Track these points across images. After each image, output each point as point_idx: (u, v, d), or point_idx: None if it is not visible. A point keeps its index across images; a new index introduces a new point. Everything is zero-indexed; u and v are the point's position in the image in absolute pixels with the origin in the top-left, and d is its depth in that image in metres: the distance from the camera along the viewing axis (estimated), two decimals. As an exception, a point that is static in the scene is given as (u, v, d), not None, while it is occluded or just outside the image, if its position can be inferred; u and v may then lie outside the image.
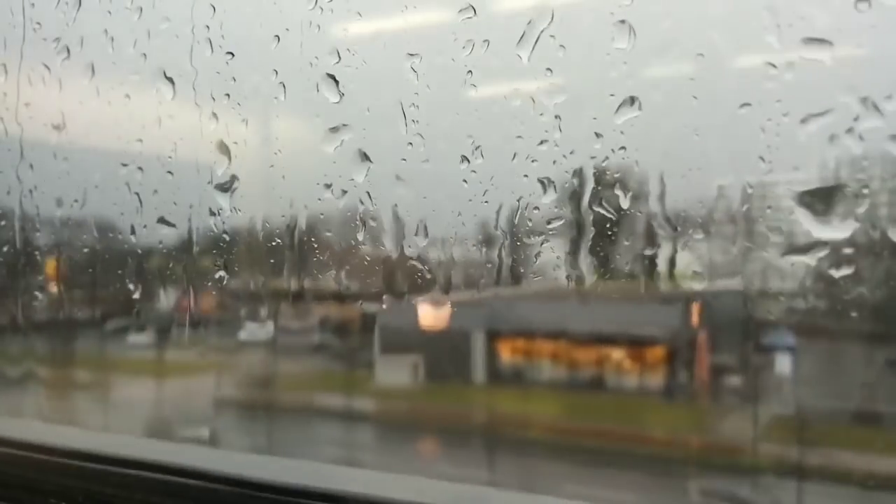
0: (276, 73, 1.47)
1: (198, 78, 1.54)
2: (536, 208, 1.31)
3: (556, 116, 1.24)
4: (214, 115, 1.54)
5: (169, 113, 1.61)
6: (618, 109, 1.18)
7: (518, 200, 1.32)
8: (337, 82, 1.39)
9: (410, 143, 1.34)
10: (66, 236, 1.86)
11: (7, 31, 1.78)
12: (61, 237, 1.87)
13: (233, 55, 1.50)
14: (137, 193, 1.67)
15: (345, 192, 1.42)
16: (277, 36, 1.45)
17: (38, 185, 1.84)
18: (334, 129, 1.41)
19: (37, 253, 1.92)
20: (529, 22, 1.22)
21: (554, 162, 1.27)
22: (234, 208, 1.56)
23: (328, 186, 1.43)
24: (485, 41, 1.26)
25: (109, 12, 1.66)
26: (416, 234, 1.40)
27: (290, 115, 1.50)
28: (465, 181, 1.32)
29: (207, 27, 1.50)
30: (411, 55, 1.31)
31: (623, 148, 1.21)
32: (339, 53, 1.38)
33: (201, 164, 1.57)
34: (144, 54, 1.61)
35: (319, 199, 1.45)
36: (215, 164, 1.56)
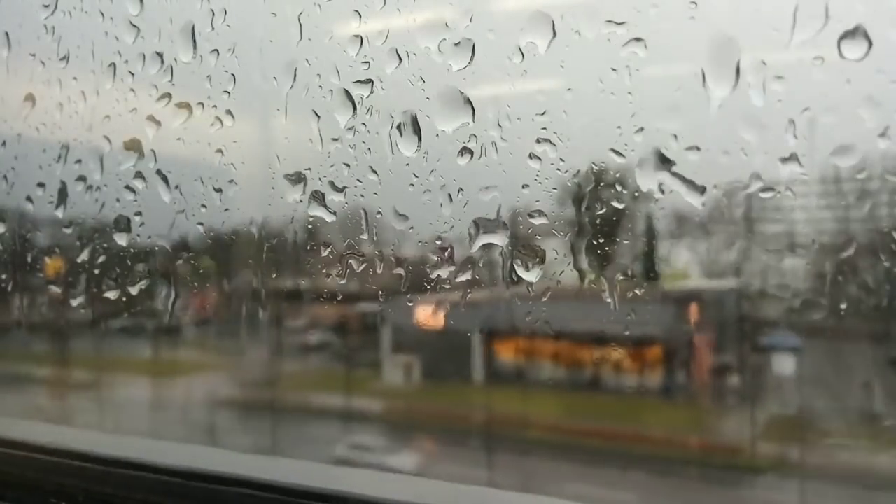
0: (275, 72, 1.47)
1: (197, 77, 1.54)
2: (538, 212, 1.31)
3: (553, 115, 1.25)
4: (219, 119, 1.54)
5: (171, 112, 1.61)
6: (618, 109, 1.18)
7: (518, 199, 1.32)
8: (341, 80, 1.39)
9: (411, 143, 1.35)
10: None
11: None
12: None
13: (232, 52, 1.50)
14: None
15: (343, 189, 1.42)
16: (278, 34, 1.45)
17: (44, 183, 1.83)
18: (335, 128, 1.41)
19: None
20: (529, 21, 1.22)
21: (552, 164, 1.27)
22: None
23: (333, 187, 1.43)
24: (485, 41, 1.26)
25: (107, 15, 1.67)
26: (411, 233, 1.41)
27: (290, 114, 1.50)
28: (461, 185, 1.32)
29: (211, 26, 1.50)
30: (411, 54, 1.31)
31: (623, 147, 1.21)
32: (336, 53, 1.38)
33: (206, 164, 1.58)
34: (143, 54, 1.61)
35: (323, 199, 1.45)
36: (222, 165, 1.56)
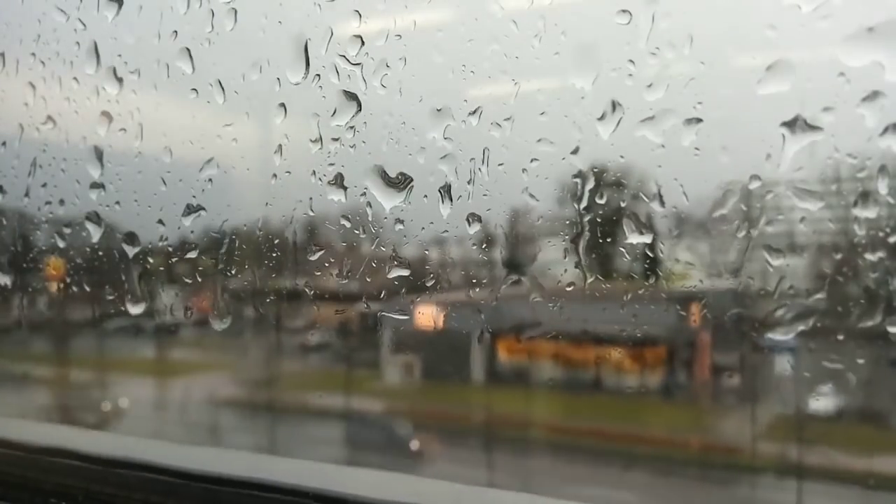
0: (276, 71, 1.47)
1: (197, 76, 1.54)
2: (540, 217, 1.32)
3: (552, 115, 1.25)
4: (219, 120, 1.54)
5: (173, 113, 1.62)
6: (619, 108, 1.19)
7: (518, 199, 1.32)
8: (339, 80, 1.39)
9: (413, 144, 1.35)
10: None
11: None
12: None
13: (232, 52, 1.50)
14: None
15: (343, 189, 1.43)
16: (278, 33, 1.45)
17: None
18: (335, 129, 1.41)
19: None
20: (530, 21, 1.23)
21: (552, 164, 1.27)
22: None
23: (333, 186, 1.43)
24: (485, 41, 1.26)
25: (100, 18, 1.67)
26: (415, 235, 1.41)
27: (290, 114, 1.50)
28: (469, 182, 1.32)
29: (211, 26, 1.51)
30: (412, 54, 1.32)
31: (623, 146, 1.21)
32: (338, 53, 1.38)
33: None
34: (142, 56, 1.61)
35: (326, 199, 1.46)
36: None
